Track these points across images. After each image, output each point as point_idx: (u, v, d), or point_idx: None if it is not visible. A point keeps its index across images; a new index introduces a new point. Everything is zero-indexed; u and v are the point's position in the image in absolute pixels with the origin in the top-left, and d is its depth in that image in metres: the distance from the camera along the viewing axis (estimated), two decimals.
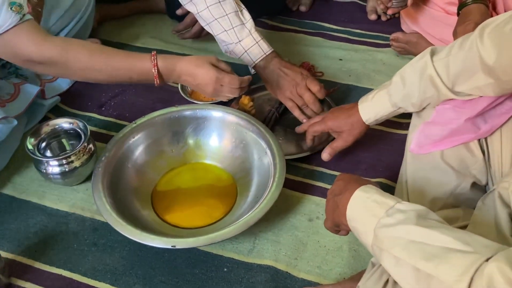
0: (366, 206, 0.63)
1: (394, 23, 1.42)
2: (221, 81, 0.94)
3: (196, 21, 1.31)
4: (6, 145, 1.01)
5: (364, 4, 1.55)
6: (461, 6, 1.04)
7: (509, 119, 0.76)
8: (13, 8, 0.84)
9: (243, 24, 1.09)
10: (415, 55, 0.84)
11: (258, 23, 1.42)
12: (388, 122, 1.12)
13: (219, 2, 1.08)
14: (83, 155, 0.97)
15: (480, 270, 0.46)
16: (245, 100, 1.12)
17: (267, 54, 1.08)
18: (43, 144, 0.98)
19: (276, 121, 1.13)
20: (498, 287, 0.44)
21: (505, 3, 1.08)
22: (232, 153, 1.01)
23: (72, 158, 0.95)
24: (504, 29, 0.65)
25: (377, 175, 1.02)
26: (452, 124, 0.78)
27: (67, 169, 0.95)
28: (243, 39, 1.08)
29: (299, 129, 1.06)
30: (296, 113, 1.08)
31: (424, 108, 0.81)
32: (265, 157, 0.95)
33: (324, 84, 1.19)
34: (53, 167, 0.95)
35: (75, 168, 0.96)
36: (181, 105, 1.05)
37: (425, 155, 0.81)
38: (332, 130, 0.96)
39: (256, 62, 1.09)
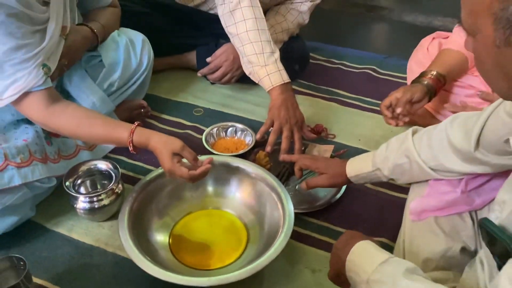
0: (362, 258, 0.71)
1: None
2: (172, 173, 0.97)
3: (220, 68, 1.52)
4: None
5: (376, 75, 1.69)
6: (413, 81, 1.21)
7: None
8: (44, 69, 0.94)
9: (273, 53, 1.28)
10: (420, 125, 0.96)
11: None
12: (392, 186, 1.22)
13: (258, 29, 1.28)
14: (112, 194, 1.07)
15: None
16: (262, 155, 1.23)
17: (285, 82, 1.27)
18: (79, 181, 1.09)
19: (288, 176, 1.23)
20: None
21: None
22: (246, 203, 1.10)
23: (102, 196, 1.06)
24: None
25: (379, 234, 1.09)
26: (447, 196, 0.87)
27: (96, 206, 1.06)
28: (268, 64, 1.27)
29: (286, 157, 1.17)
30: (272, 137, 1.23)
31: (418, 183, 0.91)
32: (276, 209, 1.04)
33: (335, 146, 1.30)
34: (85, 203, 1.05)
35: (104, 206, 1.06)
36: (203, 155, 1.16)
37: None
38: (318, 169, 1.08)
39: (273, 86, 1.26)
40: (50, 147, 1.10)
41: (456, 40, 1.21)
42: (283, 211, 1.01)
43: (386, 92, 1.60)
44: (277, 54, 1.29)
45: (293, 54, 1.57)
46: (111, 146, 1.29)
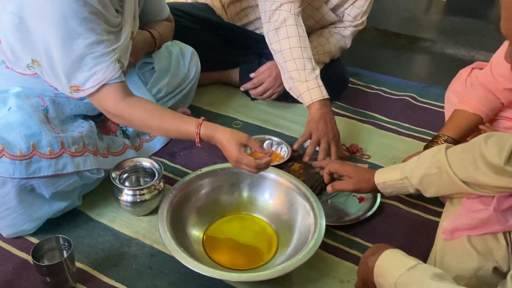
0: (391, 264, 0.73)
1: (439, 124, 1.55)
2: (239, 162, 1.04)
3: (262, 83, 1.59)
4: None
5: (414, 102, 1.71)
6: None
7: None
8: (119, 64, 1.03)
9: (313, 70, 1.35)
10: None
11: None
12: (424, 208, 1.22)
13: (300, 47, 1.35)
14: (154, 190, 1.14)
15: None
16: (296, 167, 1.27)
17: (324, 98, 1.33)
18: (124, 176, 1.16)
19: (321, 190, 1.26)
20: None
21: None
22: (279, 210, 1.14)
23: (144, 191, 1.12)
24: None
25: (409, 254, 1.09)
26: (480, 214, 0.88)
27: (138, 200, 1.12)
28: (309, 80, 1.33)
29: (316, 163, 1.22)
30: (310, 148, 1.28)
31: (453, 202, 0.92)
32: (308, 218, 1.07)
33: (369, 166, 1.33)
34: (128, 196, 1.12)
35: (145, 200, 1.13)
36: None
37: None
38: (347, 173, 1.10)
39: (313, 101, 1.32)
40: (101, 142, 1.19)
41: (469, 100, 1.20)
42: (314, 220, 1.04)
43: (425, 119, 1.64)
44: (317, 71, 1.35)
45: (333, 76, 1.62)
46: (156, 148, 1.37)
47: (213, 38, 1.70)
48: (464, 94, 1.26)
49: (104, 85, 1.01)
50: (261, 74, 1.60)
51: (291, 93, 1.39)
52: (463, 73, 1.45)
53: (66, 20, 0.93)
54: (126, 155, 1.24)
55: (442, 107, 1.59)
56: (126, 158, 1.19)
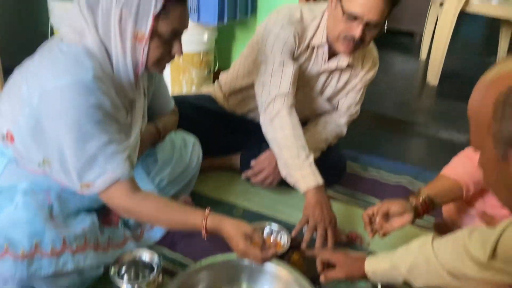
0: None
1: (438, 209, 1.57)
2: (246, 254, 1.11)
3: (262, 171, 1.63)
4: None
5: (411, 188, 1.74)
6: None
7: None
8: (129, 161, 1.08)
9: (307, 157, 1.40)
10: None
11: None
12: None
13: (294, 135, 1.42)
14: (152, 284, 1.13)
15: None
16: (296, 256, 1.28)
17: (319, 185, 1.36)
18: (123, 269, 1.17)
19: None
20: None
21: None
22: None
23: (143, 286, 1.12)
24: None
25: None
26: None
27: None
28: (303, 167, 1.38)
29: (308, 252, 1.24)
30: (307, 234, 1.31)
31: None
32: None
33: (368, 254, 1.32)
34: None
35: None
36: None
37: None
38: (338, 263, 1.12)
39: (308, 189, 1.35)
40: (102, 236, 1.20)
41: (456, 168, 1.26)
42: None
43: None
44: (311, 158, 1.41)
45: (330, 163, 1.67)
46: (157, 237, 1.39)
47: (215, 126, 1.77)
48: (454, 160, 1.32)
49: (114, 182, 1.06)
50: (261, 162, 1.65)
51: (287, 181, 1.44)
52: (461, 153, 1.48)
53: (80, 123, 0.99)
54: (127, 247, 1.26)
55: None
56: (126, 251, 1.20)
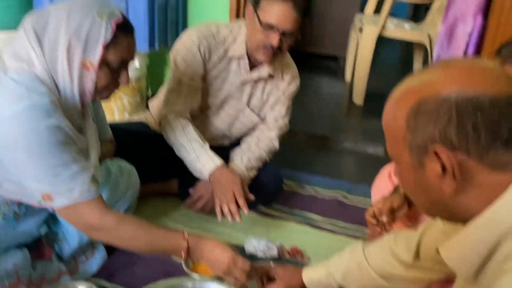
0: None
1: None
2: (235, 261, 1.10)
3: (201, 197, 1.64)
4: None
5: (345, 201, 1.83)
6: None
7: None
8: (94, 180, 1.05)
9: (202, 146, 1.55)
10: None
11: (255, 210, 1.69)
12: None
13: (184, 133, 1.56)
14: None
15: None
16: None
17: (218, 165, 1.51)
18: None
19: None
20: None
21: None
22: None
23: None
24: None
25: None
26: None
27: None
28: (201, 156, 1.53)
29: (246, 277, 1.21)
30: (217, 209, 1.48)
31: None
32: None
33: None
34: None
35: None
36: (187, 277, 1.20)
37: None
38: (277, 275, 1.15)
39: (210, 172, 1.50)
40: (35, 272, 1.14)
41: (382, 190, 1.38)
42: None
43: (356, 216, 1.74)
44: (207, 146, 1.55)
45: (267, 180, 1.71)
46: (93, 269, 1.33)
47: (150, 152, 1.75)
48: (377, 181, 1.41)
49: (83, 200, 1.02)
50: (198, 190, 1.65)
51: (196, 175, 1.55)
52: (384, 171, 1.60)
53: (42, 145, 0.95)
54: (61, 282, 1.19)
55: (371, 203, 1.72)
56: (61, 285, 1.14)
